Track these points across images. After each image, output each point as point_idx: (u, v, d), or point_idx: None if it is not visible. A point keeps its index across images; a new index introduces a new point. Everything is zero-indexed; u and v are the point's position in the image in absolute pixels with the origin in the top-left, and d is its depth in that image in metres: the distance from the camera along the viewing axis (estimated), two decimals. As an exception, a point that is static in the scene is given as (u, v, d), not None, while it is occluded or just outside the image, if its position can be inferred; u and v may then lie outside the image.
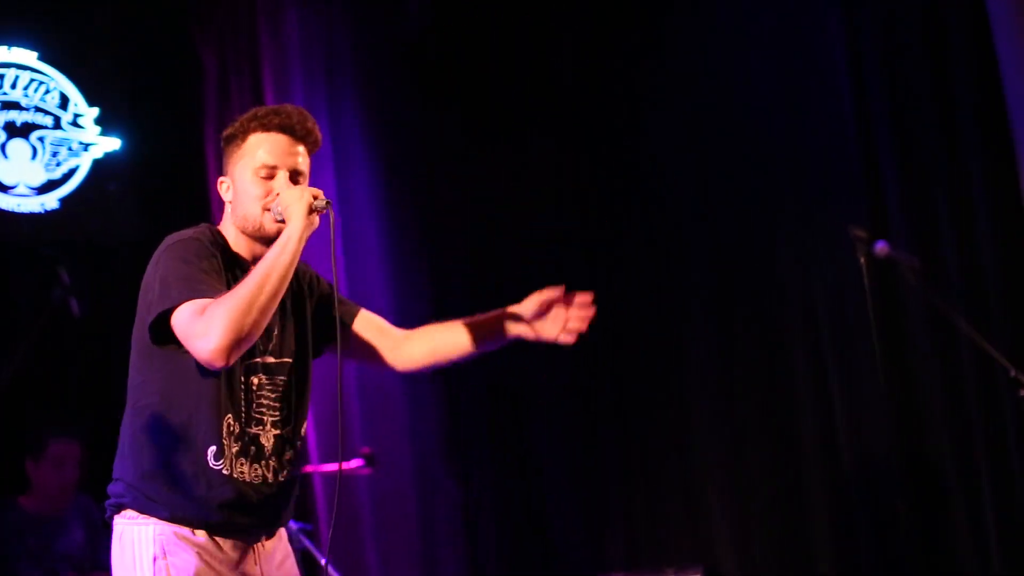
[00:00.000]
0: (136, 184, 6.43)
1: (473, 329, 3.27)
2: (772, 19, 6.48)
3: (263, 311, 2.82)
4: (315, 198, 2.95)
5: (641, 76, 6.95)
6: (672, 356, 6.77)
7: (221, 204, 6.74)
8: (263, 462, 3.06)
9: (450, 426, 6.98)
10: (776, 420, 6.43)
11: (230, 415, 3.01)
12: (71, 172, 6.25)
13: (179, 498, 2.98)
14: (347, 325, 3.33)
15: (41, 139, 6.22)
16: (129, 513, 3.01)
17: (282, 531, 3.25)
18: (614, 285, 6.96)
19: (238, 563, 3.05)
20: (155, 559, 2.95)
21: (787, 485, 6.37)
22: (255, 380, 3.06)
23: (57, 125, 6.28)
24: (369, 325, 3.36)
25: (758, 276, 6.49)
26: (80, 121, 6.35)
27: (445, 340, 3.30)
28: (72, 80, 6.35)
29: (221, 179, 3.17)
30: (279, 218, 3.01)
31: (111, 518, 3.07)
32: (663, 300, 6.82)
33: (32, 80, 6.24)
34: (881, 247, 4.86)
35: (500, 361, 7.00)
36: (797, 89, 6.39)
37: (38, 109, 6.24)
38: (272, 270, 2.85)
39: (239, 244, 3.12)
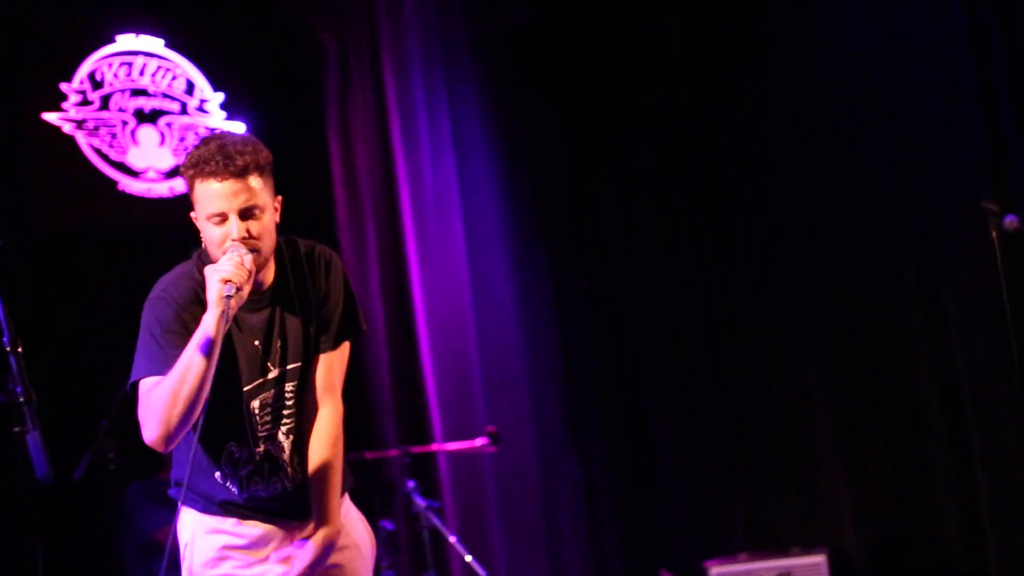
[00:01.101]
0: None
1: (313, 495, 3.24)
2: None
3: (189, 401, 2.96)
4: (225, 282, 2.99)
5: (752, 54, 6.86)
6: (791, 334, 6.70)
7: (344, 186, 6.87)
8: (280, 473, 3.22)
9: (570, 405, 7.01)
10: (899, 397, 6.33)
11: (233, 443, 3.18)
12: (198, 157, 6.37)
13: (209, 502, 3.23)
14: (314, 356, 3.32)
15: (169, 124, 6.35)
16: (182, 504, 3.26)
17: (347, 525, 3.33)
18: (730, 265, 6.91)
19: (265, 546, 3.22)
20: (185, 545, 3.24)
21: (912, 465, 6.28)
22: (256, 403, 3.18)
23: (184, 111, 6.41)
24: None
25: (879, 251, 6.39)
26: (206, 106, 6.47)
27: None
28: (198, 66, 6.47)
29: (191, 214, 3.21)
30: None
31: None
32: (780, 279, 6.74)
33: (159, 67, 6.37)
34: (1011, 220, 4.76)
35: (619, 341, 7.09)
36: (917, 61, 6.26)
37: (165, 95, 6.37)
38: (190, 364, 2.96)
39: None
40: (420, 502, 5.70)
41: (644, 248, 7.09)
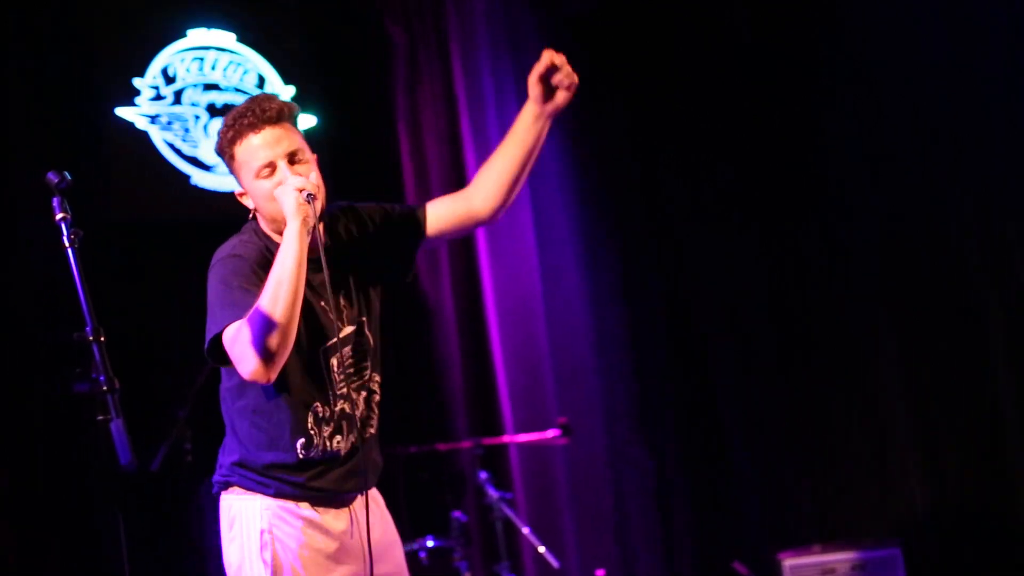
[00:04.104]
0: (332, 159, 6.56)
1: (515, 137, 3.29)
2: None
3: (284, 320, 2.87)
4: (300, 191, 2.97)
5: (815, 48, 6.80)
6: (863, 324, 6.64)
7: (413, 176, 6.88)
8: (355, 430, 3.17)
9: (641, 395, 6.99)
10: (973, 387, 6.25)
11: (318, 403, 3.12)
12: (270, 151, 6.41)
13: (281, 483, 3.13)
14: (423, 235, 3.34)
15: (240, 119, 6.39)
16: (236, 491, 3.18)
17: (379, 500, 3.33)
18: (800, 254, 6.86)
19: (340, 532, 3.18)
20: (262, 532, 3.11)
21: (987, 454, 6.20)
22: (335, 360, 3.13)
23: (255, 105, 6.45)
24: (441, 212, 3.34)
25: (951, 242, 6.30)
26: (277, 100, 6.50)
27: (504, 162, 3.29)
28: (268, 60, 6.51)
29: (238, 192, 3.20)
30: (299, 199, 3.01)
31: (218, 494, 3.24)
32: (852, 270, 6.68)
33: (231, 62, 6.41)
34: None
35: (689, 330, 7.06)
36: (975, 52, 6.17)
37: (237, 89, 6.42)
38: (280, 280, 2.89)
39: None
40: (492, 493, 5.71)
41: (714, 237, 7.05)
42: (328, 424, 3.13)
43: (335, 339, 3.11)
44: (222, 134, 3.12)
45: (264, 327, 2.85)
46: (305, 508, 3.15)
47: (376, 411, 3.27)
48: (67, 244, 2.78)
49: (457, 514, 5.67)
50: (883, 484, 6.57)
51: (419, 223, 3.32)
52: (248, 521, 3.14)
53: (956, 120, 6.26)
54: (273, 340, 2.85)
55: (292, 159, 3.07)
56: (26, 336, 5.52)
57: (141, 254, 5.99)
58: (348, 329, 3.16)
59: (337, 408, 3.14)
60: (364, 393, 3.22)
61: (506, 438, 6.27)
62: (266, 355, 2.86)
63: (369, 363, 3.22)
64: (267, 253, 3.07)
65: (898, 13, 6.45)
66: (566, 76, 3.22)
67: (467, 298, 6.68)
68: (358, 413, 3.18)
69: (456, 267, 6.69)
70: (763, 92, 6.95)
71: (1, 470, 5.41)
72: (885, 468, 6.57)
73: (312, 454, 3.12)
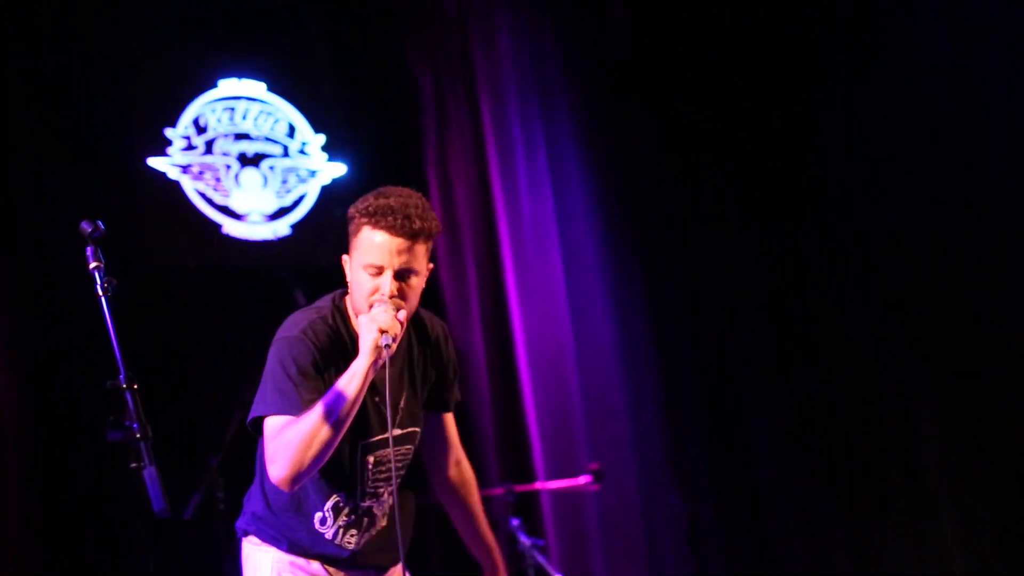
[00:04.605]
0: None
1: (475, 533, 3.56)
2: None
3: (324, 445, 2.97)
4: (382, 332, 3.00)
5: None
6: (896, 363, 6.60)
7: (443, 222, 6.90)
8: (373, 529, 3.26)
9: (673, 439, 6.96)
10: (1010, 434, 6.19)
11: (336, 494, 3.19)
12: (300, 199, 6.46)
13: (293, 542, 3.23)
14: (437, 414, 3.52)
15: (272, 168, 6.44)
16: (253, 539, 3.29)
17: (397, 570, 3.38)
18: (837, 294, 6.82)
19: None
20: None
21: (1022, 501, 6.15)
22: (371, 459, 3.20)
23: (286, 153, 6.50)
24: (441, 431, 3.54)
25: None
26: (307, 149, 6.55)
27: (460, 512, 3.57)
28: (299, 109, 6.56)
29: (344, 256, 3.22)
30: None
31: (240, 539, 3.34)
32: (883, 305, 6.64)
33: (261, 111, 6.46)
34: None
35: (720, 375, 7.02)
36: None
37: (268, 139, 6.46)
38: (335, 407, 2.96)
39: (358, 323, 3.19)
40: (524, 540, 5.68)
41: (745, 278, 7.03)
42: (346, 515, 3.22)
43: (379, 437, 3.19)
44: (364, 207, 3.14)
45: (301, 445, 2.96)
46: (315, 565, 3.24)
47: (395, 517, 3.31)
48: (100, 293, 2.81)
49: (489, 561, 5.64)
50: (918, 530, 6.51)
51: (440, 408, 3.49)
52: (259, 572, 3.25)
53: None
54: (306, 459, 2.96)
55: (400, 275, 3.11)
56: (62, 381, 5.55)
57: (173, 302, 6.01)
58: (396, 432, 3.20)
59: (364, 504, 3.23)
60: (395, 498, 3.24)
61: (538, 484, 6.25)
62: (293, 470, 2.98)
63: (403, 474, 3.29)
64: (336, 339, 3.14)
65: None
66: None
67: (497, 340, 6.68)
68: (384, 512, 3.28)
69: (486, 310, 6.69)
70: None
71: (35, 517, 5.43)
72: (920, 514, 6.51)
73: (326, 533, 3.21)
